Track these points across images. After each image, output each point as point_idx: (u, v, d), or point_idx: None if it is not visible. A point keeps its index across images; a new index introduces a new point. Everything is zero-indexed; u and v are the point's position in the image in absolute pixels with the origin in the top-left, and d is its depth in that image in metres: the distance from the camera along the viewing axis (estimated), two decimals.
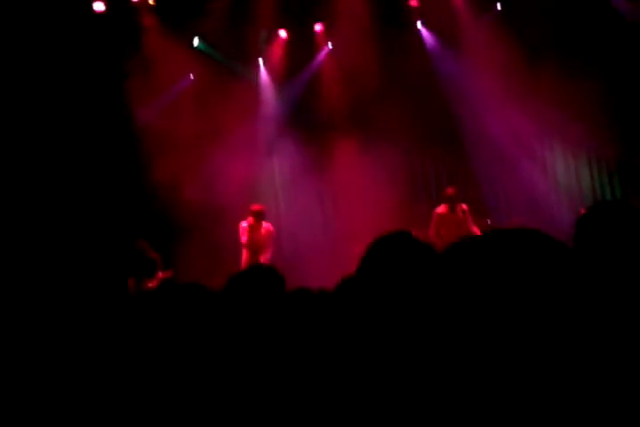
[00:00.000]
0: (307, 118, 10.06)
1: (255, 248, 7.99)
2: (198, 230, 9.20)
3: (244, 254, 8.08)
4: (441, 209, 8.11)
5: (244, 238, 7.97)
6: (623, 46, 8.55)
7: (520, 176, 8.70)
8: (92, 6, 9.22)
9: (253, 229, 7.96)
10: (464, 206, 8.05)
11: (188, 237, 9.14)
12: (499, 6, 9.41)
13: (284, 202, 9.98)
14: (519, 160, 8.79)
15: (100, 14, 9.32)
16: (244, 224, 8.00)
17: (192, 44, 10.00)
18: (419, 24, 9.80)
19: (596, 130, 8.69)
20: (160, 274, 8.30)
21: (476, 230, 7.92)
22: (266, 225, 8.10)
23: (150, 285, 8.29)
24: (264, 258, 8.00)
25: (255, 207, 8.04)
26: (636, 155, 7.66)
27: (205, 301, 2.66)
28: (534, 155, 8.89)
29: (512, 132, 8.74)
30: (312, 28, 10.00)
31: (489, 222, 8.43)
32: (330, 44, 10.12)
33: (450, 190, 7.99)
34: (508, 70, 8.98)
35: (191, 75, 10.32)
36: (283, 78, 10.24)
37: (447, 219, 8.04)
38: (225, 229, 8.76)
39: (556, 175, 8.79)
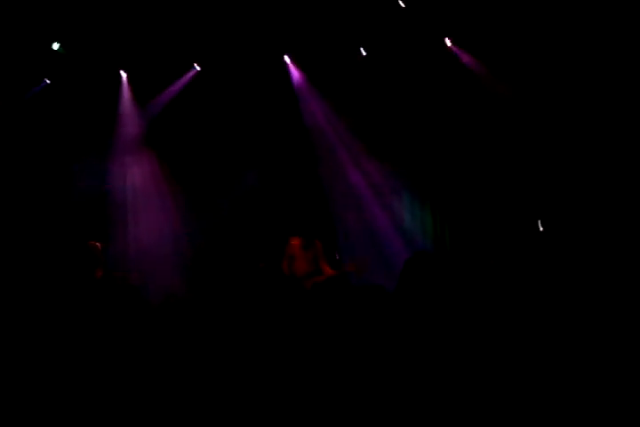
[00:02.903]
0: (165, 137, 10.01)
1: None
2: None
3: None
4: (295, 241, 8.29)
5: None
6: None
7: (370, 219, 9.26)
8: None
9: None
10: (317, 242, 8.31)
11: None
12: (363, 52, 9.84)
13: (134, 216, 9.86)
14: (371, 205, 9.34)
15: None
16: None
17: (51, 47, 9.57)
18: (286, 58, 10.03)
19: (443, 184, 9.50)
20: None
21: (326, 268, 8.24)
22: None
23: None
24: None
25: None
26: (490, 258, 8.46)
27: None
28: (385, 202, 9.49)
29: (367, 179, 9.31)
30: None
31: (337, 257, 8.80)
32: (196, 65, 10.10)
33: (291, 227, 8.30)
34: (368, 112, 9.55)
35: (46, 79, 9.92)
36: (146, 93, 10.10)
37: (299, 252, 8.24)
38: None
39: (402, 221, 9.44)
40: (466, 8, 8.72)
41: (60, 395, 2.32)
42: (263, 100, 9.82)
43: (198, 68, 10.09)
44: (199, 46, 9.83)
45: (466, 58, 9.37)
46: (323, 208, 9.43)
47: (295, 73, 9.92)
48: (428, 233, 9.39)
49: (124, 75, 10.13)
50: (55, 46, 9.61)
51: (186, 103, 10.03)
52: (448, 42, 9.38)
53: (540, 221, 8.74)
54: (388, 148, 9.47)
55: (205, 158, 9.92)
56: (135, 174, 9.86)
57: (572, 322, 2.33)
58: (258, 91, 9.82)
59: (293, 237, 8.30)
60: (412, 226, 9.35)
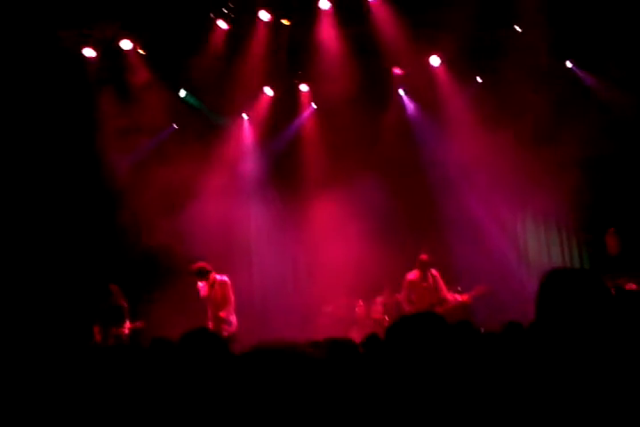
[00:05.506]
0: (286, 176, 10.21)
1: (214, 304, 7.89)
2: (171, 280, 9.15)
3: (208, 310, 7.97)
4: (412, 275, 8.20)
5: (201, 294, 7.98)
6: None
7: (491, 246, 8.91)
8: (81, 52, 9.32)
9: (208, 286, 7.91)
10: (435, 272, 8.18)
11: (159, 286, 9.06)
12: (479, 79, 9.74)
13: (257, 256, 10.02)
14: (491, 231, 9.03)
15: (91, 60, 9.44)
16: (199, 284, 7.96)
17: (178, 95, 10.12)
18: (401, 91, 10.10)
19: (568, 204, 9.00)
20: (128, 324, 8.13)
21: (448, 296, 8.05)
22: (220, 278, 7.95)
23: (119, 333, 8.10)
24: (224, 313, 7.85)
25: (193, 267, 7.95)
26: None
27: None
28: (505, 226, 9.13)
29: (485, 203, 9.01)
30: (298, 87, 10.24)
31: (459, 289, 8.54)
32: (314, 104, 10.36)
33: (424, 257, 8.09)
34: (485, 141, 9.28)
35: (174, 124, 10.47)
36: (265, 134, 10.42)
37: (418, 285, 8.16)
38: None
39: (527, 247, 9.02)
40: None
41: None
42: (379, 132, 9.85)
43: (315, 106, 10.34)
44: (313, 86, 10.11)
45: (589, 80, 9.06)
46: (440, 237, 9.21)
47: (410, 104, 9.96)
48: (555, 258, 8.89)
49: (245, 116, 10.54)
50: (182, 94, 10.16)
51: (302, 141, 10.24)
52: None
53: None
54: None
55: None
56: (258, 212, 10.07)
57: None
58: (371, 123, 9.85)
59: (410, 271, 8.23)
60: (537, 251, 8.91)
